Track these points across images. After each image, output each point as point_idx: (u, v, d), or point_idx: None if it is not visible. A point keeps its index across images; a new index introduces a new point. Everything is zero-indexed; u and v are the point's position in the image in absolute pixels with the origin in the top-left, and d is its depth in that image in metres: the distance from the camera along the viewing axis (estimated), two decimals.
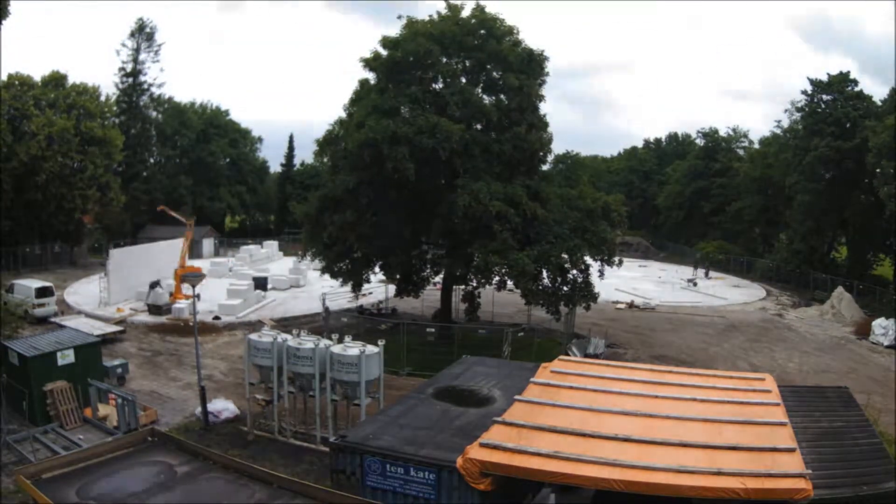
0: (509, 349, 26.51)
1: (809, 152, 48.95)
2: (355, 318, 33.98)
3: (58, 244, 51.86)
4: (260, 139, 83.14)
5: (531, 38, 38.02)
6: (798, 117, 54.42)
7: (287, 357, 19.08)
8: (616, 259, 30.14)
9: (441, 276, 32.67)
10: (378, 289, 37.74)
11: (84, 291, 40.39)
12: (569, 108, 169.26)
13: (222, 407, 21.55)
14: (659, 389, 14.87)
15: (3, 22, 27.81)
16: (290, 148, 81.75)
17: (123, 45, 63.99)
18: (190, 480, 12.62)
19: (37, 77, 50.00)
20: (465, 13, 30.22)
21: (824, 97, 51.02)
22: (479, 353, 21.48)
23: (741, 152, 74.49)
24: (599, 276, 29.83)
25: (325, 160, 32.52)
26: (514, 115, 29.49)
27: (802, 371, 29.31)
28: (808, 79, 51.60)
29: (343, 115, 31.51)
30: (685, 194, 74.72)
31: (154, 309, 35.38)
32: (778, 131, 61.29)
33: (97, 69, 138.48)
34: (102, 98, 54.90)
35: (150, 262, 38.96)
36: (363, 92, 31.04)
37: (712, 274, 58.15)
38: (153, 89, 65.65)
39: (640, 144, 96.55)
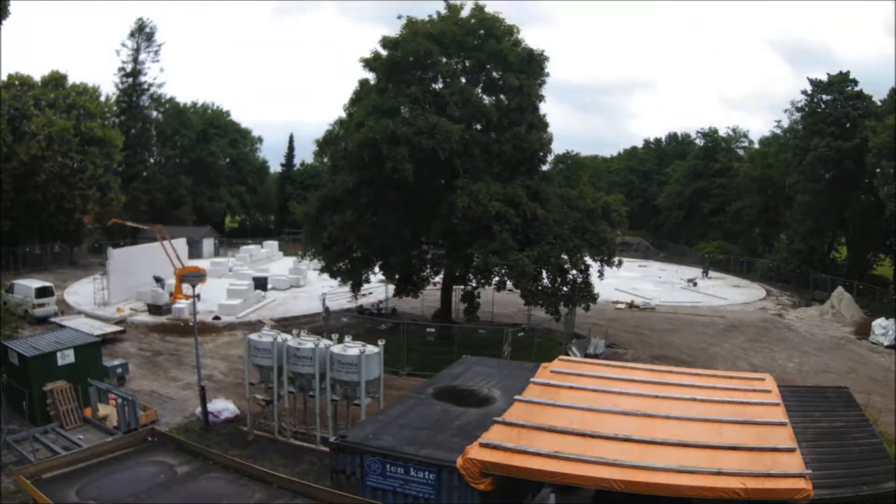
0: (509, 349, 26.50)
1: (809, 152, 48.97)
2: (355, 318, 33.98)
3: (58, 244, 51.85)
4: (260, 139, 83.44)
5: (532, 43, 38.11)
6: (798, 117, 54.47)
7: (287, 357, 19.08)
8: (616, 259, 30.14)
9: (441, 276, 32.68)
10: (378, 289, 37.75)
11: (84, 291, 40.38)
12: (569, 108, 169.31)
13: (222, 407, 21.55)
14: (659, 389, 14.87)
15: (3, 22, 27.83)
16: (290, 148, 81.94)
17: (123, 45, 64.23)
18: (190, 480, 12.61)
19: (37, 77, 50.10)
20: (465, 13, 30.23)
21: (824, 97, 51.06)
22: (479, 353, 21.47)
23: (741, 152, 74.56)
24: (599, 277, 29.83)
25: (325, 160, 32.52)
26: (513, 115, 29.49)
27: (802, 371, 29.31)
28: (808, 79, 51.80)
29: (343, 115, 31.56)
30: (685, 194, 74.75)
31: (154, 309, 35.39)
32: (778, 131, 61.41)
33: (97, 69, 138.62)
34: (102, 98, 54.93)
35: (150, 262, 38.94)
36: (363, 92, 31.05)
37: (712, 274, 58.19)
38: (153, 89, 65.87)
39: (640, 144, 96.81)
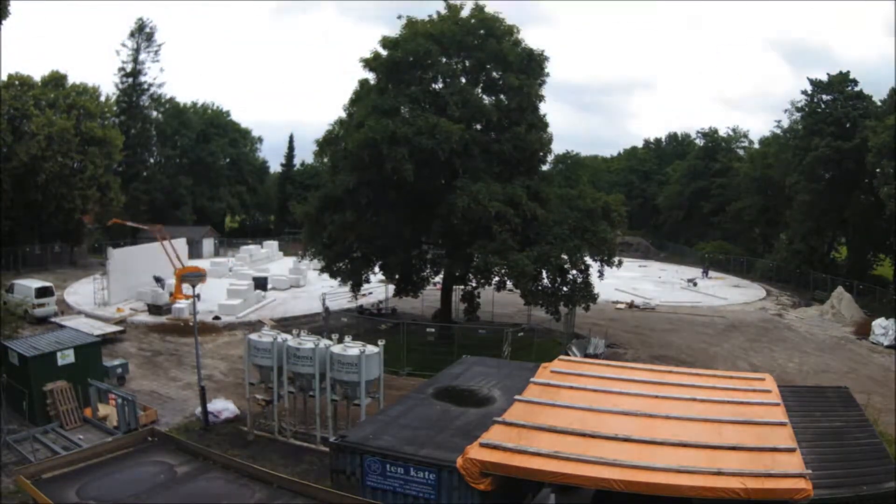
0: (509, 349, 26.50)
1: (809, 152, 48.96)
2: (355, 318, 33.98)
3: (58, 244, 51.85)
4: (260, 139, 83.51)
5: (532, 43, 38.04)
6: (798, 117, 54.48)
7: (287, 357, 19.07)
8: (616, 259, 30.12)
9: (441, 276, 32.69)
10: (378, 289, 37.76)
11: (84, 291, 40.39)
12: (569, 108, 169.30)
13: (222, 407, 21.54)
14: (659, 389, 14.87)
15: (3, 22, 27.85)
16: (290, 148, 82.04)
17: (123, 45, 64.32)
18: (190, 480, 12.61)
19: (37, 77, 50.11)
20: (465, 13, 30.23)
21: (824, 97, 51.07)
22: (479, 353, 21.47)
23: (741, 152, 74.58)
24: (599, 277, 29.83)
25: (325, 160, 32.52)
26: (513, 115, 29.49)
27: (802, 371, 29.31)
28: (808, 79, 51.84)
29: (343, 115, 31.58)
30: (685, 194, 74.80)
31: (154, 309, 35.39)
32: (778, 131, 61.40)
33: (97, 69, 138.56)
34: (102, 98, 54.95)
35: (150, 262, 38.95)
36: (363, 92, 31.05)
37: (712, 274, 58.20)
38: (153, 89, 65.95)
39: (640, 144, 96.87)
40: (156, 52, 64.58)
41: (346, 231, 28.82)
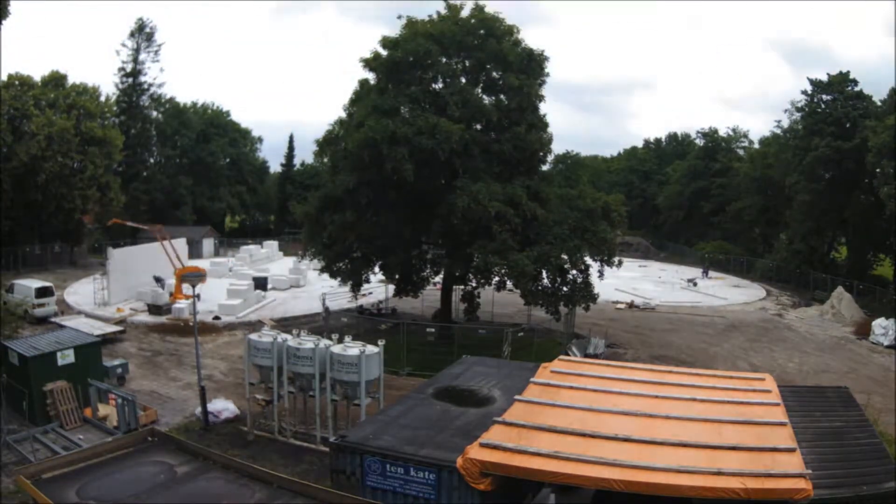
0: (509, 349, 26.50)
1: (809, 152, 48.96)
2: (355, 318, 33.98)
3: (58, 244, 51.85)
4: (260, 139, 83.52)
5: (532, 43, 38.02)
6: (798, 117, 54.48)
7: (287, 357, 19.07)
8: (616, 259, 30.11)
9: (441, 276, 32.69)
10: (378, 289, 37.77)
11: (84, 291, 40.39)
12: (569, 109, 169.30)
13: (222, 407, 21.55)
14: (659, 389, 14.88)
15: (3, 22, 27.85)
16: (290, 148, 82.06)
17: (123, 45, 64.31)
18: (190, 480, 12.62)
19: (37, 77, 50.12)
20: (465, 13, 30.23)
21: (824, 97, 51.07)
22: (479, 353, 21.47)
23: (741, 152, 74.59)
24: (599, 277, 29.83)
25: (325, 160, 32.52)
26: (513, 115, 29.50)
27: (802, 371, 29.31)
28: (808, 79, 51.82)
29: (343, 115, 31.59)
30: (685, 194, 74.80)
31: (154, 309, 35.39)
32: (778, 131, 61.41)
33: (97, 69, 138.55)
34: (102, 98, 54.94)
35: (150, 262, 38.96)
36: (363, 92, 31.06)
37: (712, 274, 58.20)
38: (153, 89, 65.95)
39: (640, 144, 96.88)
40: (156, 52, 64.69)
41: (346, 231, 28.83)
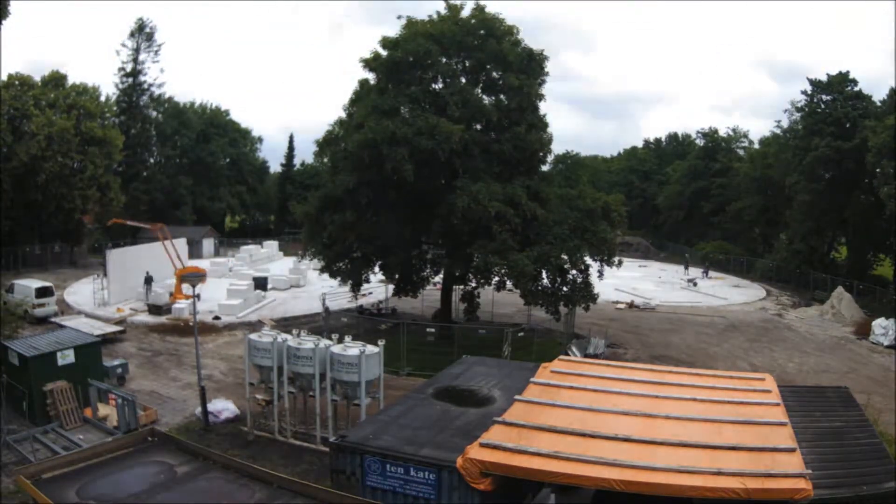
0: (509, 349, 26.51)
1: (809, 152, 48.95)
2: (355, 318, 33.98)
3: (58, 244, 51.85)
4: (260, 139, 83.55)
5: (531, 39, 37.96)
6: (798, 117, 54.49)
7: (287, 357, 19.07)
8: (616, 259, 30.10)
9: (441, 276, 32.69)
10: (378, 289, 37.78)
11: (84, 291, 40.40)
12: (569, 109, 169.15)
13: (222, 407, 21.55)
14: (659, 389, 14.88)
15: (3, 22, 27.85)
16: (290, 148, 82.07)
17: (123, 45, 64.17)
18: (190, 480, 12.62)
19: (37, 77, 50.14)
20: (465, 13, 30.24)
21: (824, 97, 51.07)
22: (479, 353, 21.49)
23: (741, 152, 74.58)
24: (599, 277, 29.83)
25: (325, 160, 32.53)
26: (513, 115, 29.50)
27: (802, 371, 29.31)
28: (808, 79, 51.75)
29: (343, 115, 31.59)
30: (685, 194, 74.78)
31: (154, 309, 35.40)
32: (778, 131, 61.43)
33: (97, 69, 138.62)
34: (102, 98, 54.98)
35: (150, 262, 38.98)
36: (363, 92, 31.07)
37: (712, 274, 58.21)
38: (153, 89, 65.84)
39: (640, 144, 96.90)
40: (156, 52, 64.60)
41: (346, 231, 28.84)
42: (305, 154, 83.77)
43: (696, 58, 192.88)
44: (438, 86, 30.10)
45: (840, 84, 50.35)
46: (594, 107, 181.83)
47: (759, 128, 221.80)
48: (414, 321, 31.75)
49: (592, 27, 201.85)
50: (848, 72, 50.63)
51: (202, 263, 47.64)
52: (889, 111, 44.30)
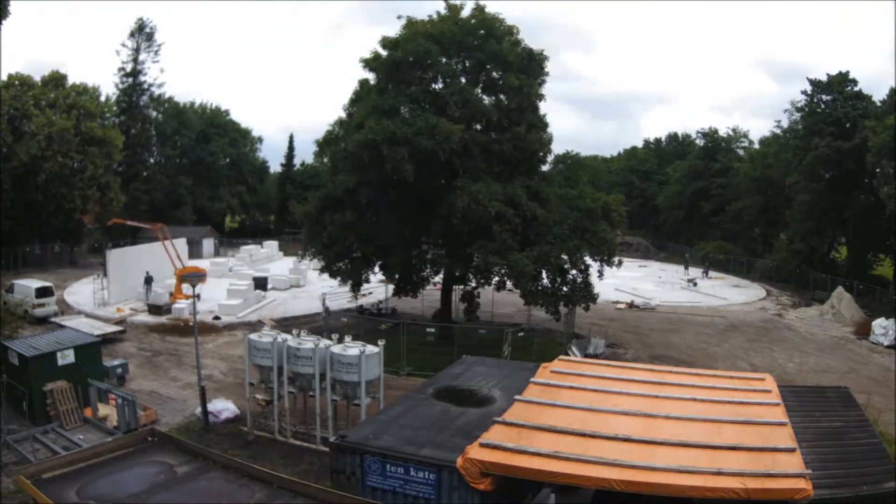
0: (509, 349, 26.51)
1: (809, 152, 48.96)
2: (355, 318, 33.98)
3: (58, 244, 51.86)
4: (260, 139, 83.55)
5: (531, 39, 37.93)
6: (798, 117, 54.49)
7: (287, 357, 19.08)
8: (616, 259, 30.09)
9: (441, 276, 32.69)
10: (378, 289, 37.78)
11: (84, 291, 40.41)
12: (569, 109, 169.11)
13: (222, 407, 21.55)
14: (659, 389, 14.88)
15: (3, 22, 27.85)
16: (290, 148, 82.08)
17: (123, 45, 64.16)
18: (190, 480, 12.63)
19: (37, 77, 50.15)
20: (465, 13, 30.24)
21: (824, 97, 51.08)
22: (479, 353, 21.49)
23: (741, 152, 74.59)
24: (599, 277, 29.83)
25: (325, 160, 32.53)
26: (513, 115, 29.50)
27: (802, 371, 29.31)
28: (808, 79, 51.77)
29: (343, 115, 31.59)
30: (685, 194, 74.78)
31: (154, 309, 35.41)
32: (778, 131, 61.44)
33: (97, 69, 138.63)
34: (102, 98, 54.97)
35: (150, 262, 38.98)
36: (363, 92, 31.07)
37: (712, 273, 58.22)
38: (153, 89, 65.83)
39: (640, 144, 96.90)
40: (156, 52, 64.60)
41: (346, 231, 28.84)
42: (305, 154, 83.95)
43: (696, 58, 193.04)
44: (438, 86, 30.10)
45: (840, 84, 50.36)
46: (594, 107, 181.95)
47: (759, 128, 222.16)
48: (414, 321, 31.76)
49: (592, 27, 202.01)
50: (848, 72, 50.73)
51: (202, 263, 47.64)
52: (889, 111, 44.29)
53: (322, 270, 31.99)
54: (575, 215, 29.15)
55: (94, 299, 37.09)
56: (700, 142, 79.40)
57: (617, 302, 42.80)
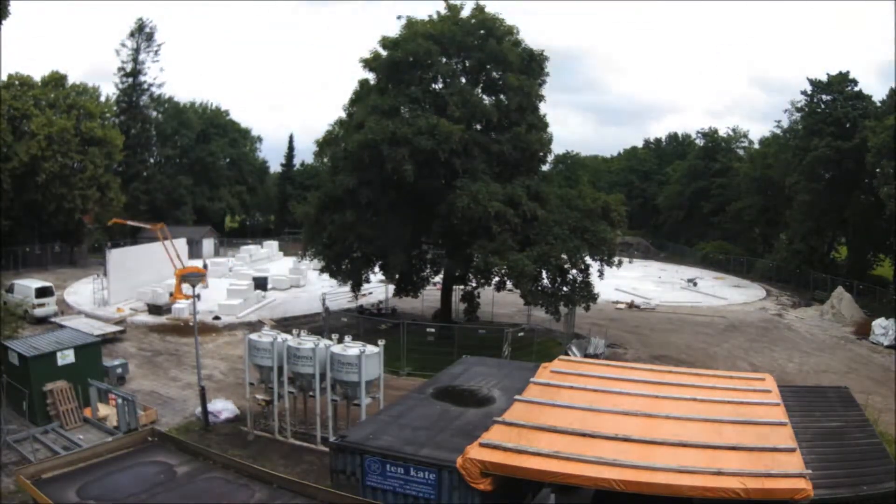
0: (509, 349, 26.51)
1: (809, 152, 48.96)
2: (355, 318, 33.95)
3: (58, 244, 51.86)
4: (260, 139, 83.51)
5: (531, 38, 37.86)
6: (798, 117, 54.47)
7: (287, 357, 19.09)
8: (616, 259, 30.05)
9: (441, 276, 32.68)
10: (378, 289, 37.77)
11: (84, 291, 40.42)
12: (570, 109, 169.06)
13: (222, 407, 21.56)
14: (659, 389, 14.88)
15: (3, 22, 27.82)
16: (290, 148, 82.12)
17: (123, 45, 64.09)
18: (190, 480, 12.63)
19: (37, 77, 50.12)
20: (465, 13, 30.25)
21: (824, 97, 51.07)
22: (479, 353, 21.49)
23: (741, 152, 74.58)
24: (599, 277, 29.83)
25: (325, 160, 32.54)
26: (513, 116, 29.52)
27: (802, 371, 29.31)
28: (808, 79, 51.74)
29: (343, 115, 31.61)
30: (685, 194, 74.77)
31: (154, 309, 35.41)
32: (778, 131, 61.42)
33: (97, 69, 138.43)
34: (102, 98, 54.97)
35: (150, 262, 38.97)
36: (363, 92, 31.09)
37: (713, 274, 58.00)
38: (153, 89, 65.82)
39: (640, 144, 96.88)
40: (156, 52, 64.54)
41: (346, 231, 28.85)
42: (305, 154, 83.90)
43: (697, 66, 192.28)
44: (438, 86, 30.12)
45: (840, 84, 50.35)
46: (604, 116, 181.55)
47: (758, 130, 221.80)
48: (414, 321, 31.73)
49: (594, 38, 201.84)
50: (848, 72, 50.73)
51: (202, 264, 47.65)
52: (889, 111, 44.28)
53: (322, 270, 32.00)
54: (575, 215, 29.16)
55: (94, 299, 37.10)
56: (700, 142, 79.40)
57: (617, 302, 42.80)
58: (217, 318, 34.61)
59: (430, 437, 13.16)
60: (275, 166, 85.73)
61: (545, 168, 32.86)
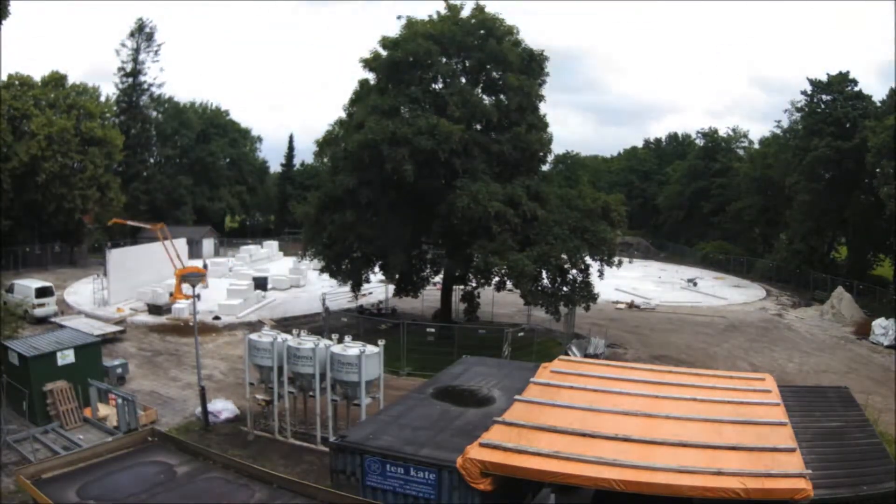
0: (509, 349, 26.51)
1: (809, 152, 48.97)
2: (355, 318, 33.95)
3: (58, 244, 51.87)
4: (260, 139, 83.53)
5: (532, 38, 37.82)
6: (798, 117, 54.47)
7: (287, 357, 19.09)
8: (616, 259, 30.05)
9: (441, 276, 32.68)
10: (378, 289, 37.77)
11: (84, 291, 40.42)
12: (570, 109, 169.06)
13: (222, 407, 21.56)
14: (659, 389, 14.88)
15: (3, 22, 27.82)
16: (290, 148, 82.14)
17: (123, 45, 64.08)
18: (190, 480, 12.63)
19: (37, 77, 50.13)
20: (465, 13, 30.25)
21: (824, 97, 51.07)
22: (479, 353, 21.49)
23: (741, 152, 74.59)
24: (599, 277, 29.84)
25: (325, 160, 32.55)
26: (513, 116, 29.52)
27: (802, 371, 29.32)
28: (808, 79, 51.74)
29: (343, 115, 31.62)
30: (685, 194, 74.77)
31: (154, 309, 35.41)
32: (778, 131, 61.42)
33: (97, 69, 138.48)
34: (102, 98, 54.97)
35: (150, 262, 38.96)
36: (363, 92, 31.10)
37: (713, 274, 57.96)
38: (153, 89, 65.81)
39: (640, 144, 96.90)
40: (156, 52, 64.53)
41: (346, 231, 28.85)
42: (305, 154, 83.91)
43: (697, 66, 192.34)
44: (438, 86, 30.12)
45: (840, 84, 50.36)
46: (604, 116, 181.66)
47: (758, 130, 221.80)
48: (414, 321, 31.73)
49: (598, 38, 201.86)
50: (848, 72, 50.73)
51: (202, 264, 47.64)
52: (889, 111, 44.28)
53: (322, 270, 32.00)
54: (575, 215, 29.16)
55: (94, 299, 37.10)
56: (700, 142, 79.41)
57: (617, 302, 42.80)
58: (217, 318, 34.62)
59: (430, 437, 13.16)
60: (275, 166, 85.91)
61: (545, 168, 32.89)
